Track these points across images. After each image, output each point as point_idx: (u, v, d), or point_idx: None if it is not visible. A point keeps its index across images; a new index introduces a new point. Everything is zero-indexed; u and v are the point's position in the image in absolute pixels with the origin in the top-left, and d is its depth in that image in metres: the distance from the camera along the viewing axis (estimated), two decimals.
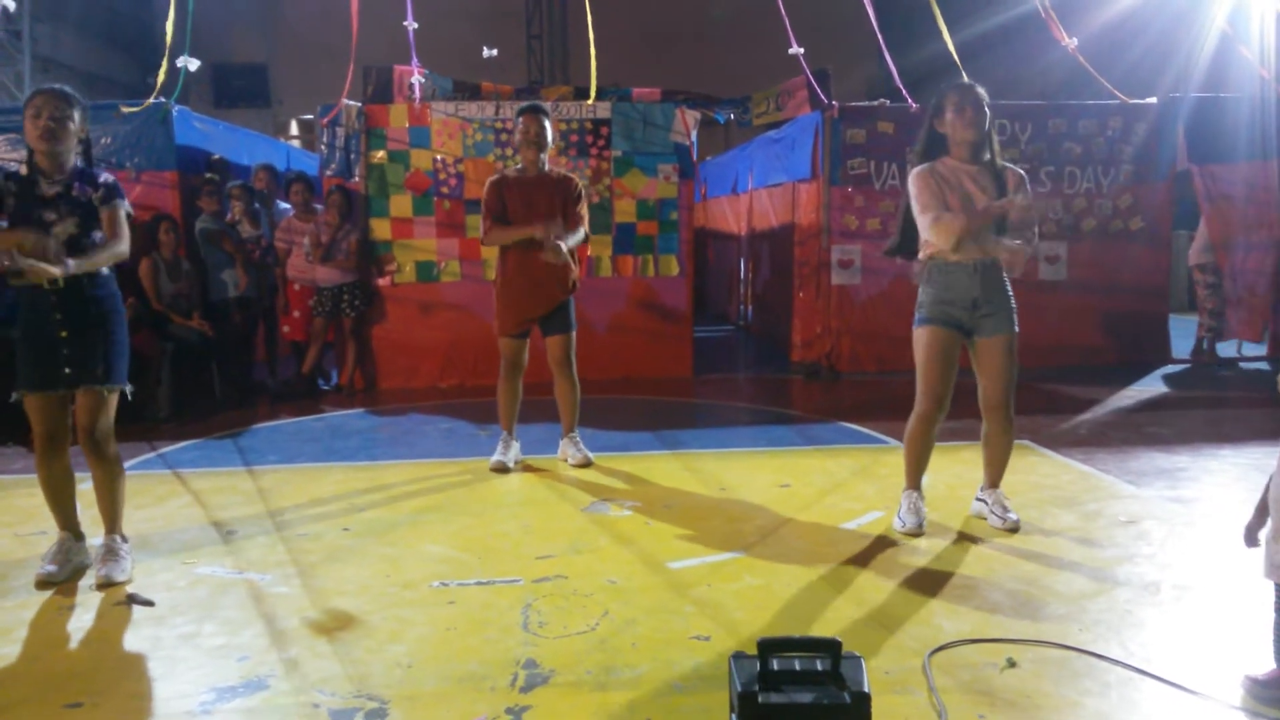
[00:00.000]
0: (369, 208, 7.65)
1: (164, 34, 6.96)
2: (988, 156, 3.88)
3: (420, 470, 5.18)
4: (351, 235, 7.41)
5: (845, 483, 4.81)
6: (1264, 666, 2.62)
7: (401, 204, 7.71)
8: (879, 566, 3.62)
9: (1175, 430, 5.85)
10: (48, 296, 3.45)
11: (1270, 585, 2.60)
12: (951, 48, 7.75)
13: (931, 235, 3.82)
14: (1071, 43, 7.82)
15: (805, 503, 4.46)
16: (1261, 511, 2.63)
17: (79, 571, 3.65)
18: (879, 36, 8.04)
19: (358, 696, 2.68)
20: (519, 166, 5.04)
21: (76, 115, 3.49)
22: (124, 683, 2.81)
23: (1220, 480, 4.79)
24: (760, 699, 2.22)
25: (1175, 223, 9.20)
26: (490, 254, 7.32)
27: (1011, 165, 3.98)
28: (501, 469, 5.07)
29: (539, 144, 4.91)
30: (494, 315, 5.13)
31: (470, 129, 7.73)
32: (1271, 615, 2.61)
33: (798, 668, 2.29)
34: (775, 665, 2.29)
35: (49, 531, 3.80)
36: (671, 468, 5.14)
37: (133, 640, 3.10)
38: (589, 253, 7.80)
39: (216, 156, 7.85)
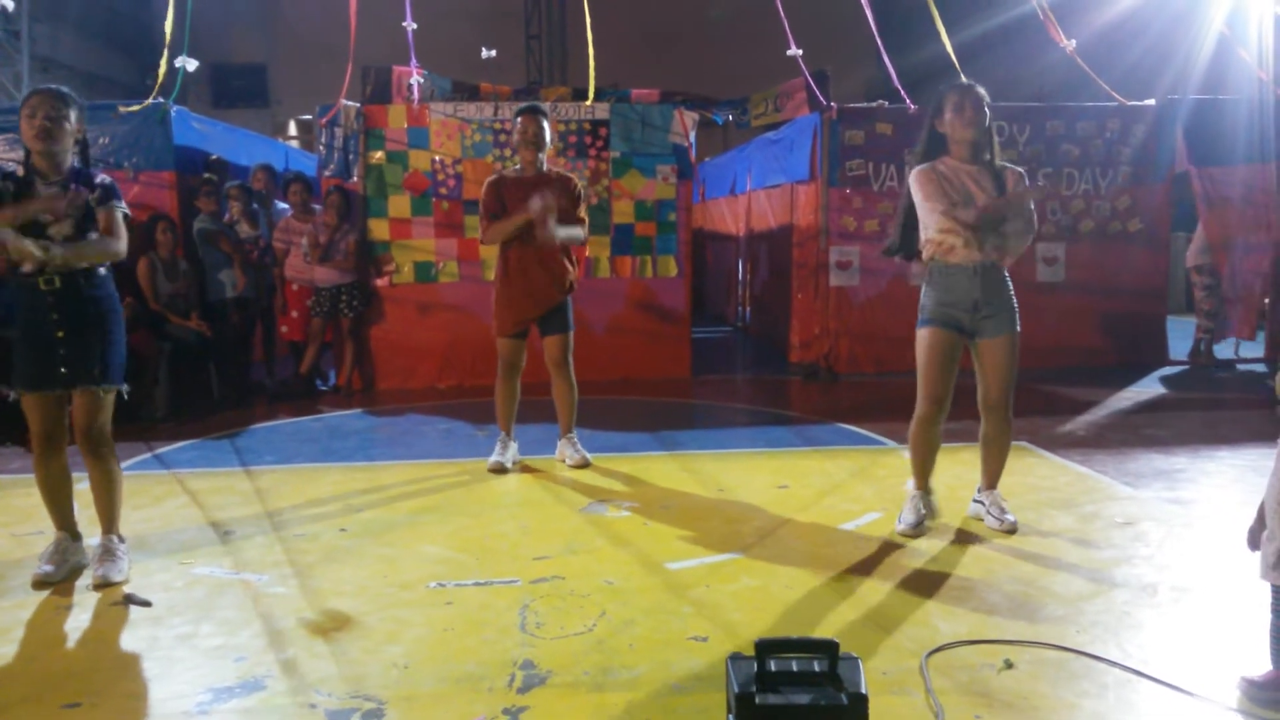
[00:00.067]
0: (367, 208, 7.65)
1: (163, 34, 6.95)
2: (987, 156, 3.90)
3: (418, 471, 5.18)
4: (350, 236, 7.40)
5: (843, 484, 4.81)
6: (1261, 668, 2.62)
7: (400, 204, 7.70)
8: (877, 568, 3.62)
9: (1173, 431, 5.85)
10: (45, 296, 3.44)
11: (1267, 587, 2.60)
12: (950, 49, 7.75)
13: (945, 222, 3.80)
14: (1070, 44, 7.81)
15: (803, 504, 4.45)
16: (1263, 515, 2.63)
17: (76, 572, 3.65)
18: (877, 38, 8.03)
19: (355, 697, 2.68)
20: (517, 167, 5.04)
21: (73, 115, 3.48)
22: (121, 683, 2.81)
23: (1218, 482, 4.79)
24: (758, 700, 2.22)
25: (1173, 224, 9.22)
26: (488, 254, 7.33)
27: (1011, 165, 3.99)
28: (499, 469, 5.07)
29: (537, 144, 4.91)
30: (492, 316, 5.13)
31: (469, 130, 7.72)
32: (1269, 617, 2.61)
33: (795, 669, 2.29)
34: (773, 666, 2.29)
35: (46, 531, 3.80)
36: (669, 469, 5.14)
37: (130, 640, 3.10)
38: (587, 253, 7.80)
39: (215, 157, 7.85)
